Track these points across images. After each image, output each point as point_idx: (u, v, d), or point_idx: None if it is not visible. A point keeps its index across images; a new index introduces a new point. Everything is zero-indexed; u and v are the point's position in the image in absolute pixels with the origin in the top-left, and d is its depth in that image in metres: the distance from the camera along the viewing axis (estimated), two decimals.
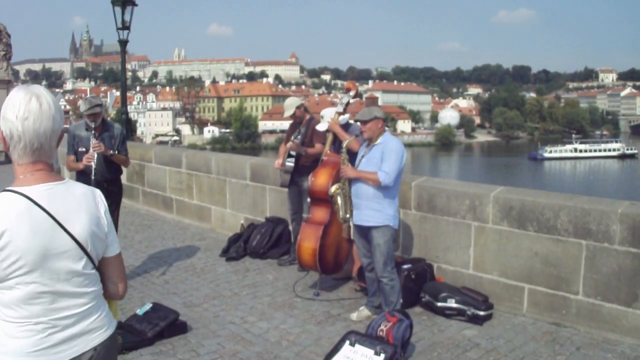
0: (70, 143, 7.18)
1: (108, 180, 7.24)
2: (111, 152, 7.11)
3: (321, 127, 7.40)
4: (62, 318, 2.52)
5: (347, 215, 6.36)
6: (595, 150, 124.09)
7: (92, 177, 6.85)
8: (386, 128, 6.30)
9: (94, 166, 6.86)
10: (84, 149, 7.03)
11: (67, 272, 2.50)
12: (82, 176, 7.10)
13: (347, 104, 7.34)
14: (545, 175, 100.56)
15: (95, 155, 6.86)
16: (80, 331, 2.57)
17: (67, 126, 6.91)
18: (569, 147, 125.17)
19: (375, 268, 6.15)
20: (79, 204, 2.57)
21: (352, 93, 7.38)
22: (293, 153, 7.90)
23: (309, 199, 7.23)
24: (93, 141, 6.91)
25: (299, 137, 7.94)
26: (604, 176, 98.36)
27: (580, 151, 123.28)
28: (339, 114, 7.22)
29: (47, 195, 2.48)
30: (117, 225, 7.64)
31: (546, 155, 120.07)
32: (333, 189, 6.35)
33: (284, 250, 8.62)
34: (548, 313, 6.21)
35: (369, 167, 6.01)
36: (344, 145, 6.40)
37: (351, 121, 7.47)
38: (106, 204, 2.73)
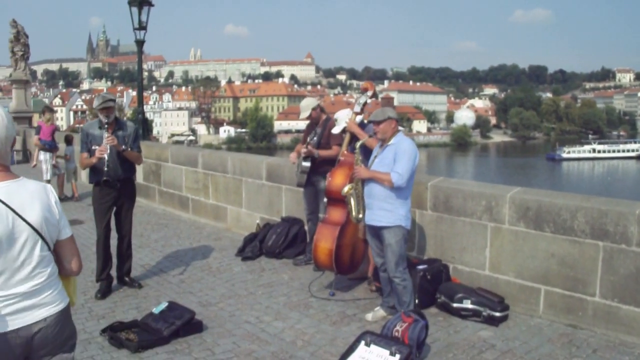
0: (84, 141, 7.19)
1: (121, 180, 7.26)
2: (123, 147, 7.13)
3: (336, 129, 7.40)
4: (18, 294, 3.00)
5: (360, 216, 6.36)
6: (613, 151, 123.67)
7: (105, 169, 6.95)
8: (401, 128, 6.29)
9: (106, 158, 6.92)
10: (97, 147, 7.06)
11: (25, 253, 3.02)
12: (95, 174, 7.17)
13: (365, 104, 7.33)
14: (563, 175, 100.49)
15: (108, 149, 6.91)
16: (32, 304, 3.05)
17: (81, 125, 6.99)
18: (587, 147, 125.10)
19: (387, 268, 6.14)
20: (32, 196, 3.07)
21: (369, 93, 7.37)
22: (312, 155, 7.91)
23: (325, 199, 7.23)
24: (106, 135, 6.97)
25: (315, 138, 7.95)
26: (622, 177, 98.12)
27: (599, 152, 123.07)
28: (356, 114, 7.21)
29: (5, 191, 2.99)
30: (132, 225, 7.67)
31: (564, 155, 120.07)
32: (346, 189, 6.35)
33: (299, 250, 8.63)
34: (564, 315, 6.18)
35: (381, 167, 6.01)
36: (358, 144, 6.40)
37: (366, 121, 7.46)
38: (56, 196, 3.25)
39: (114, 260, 7.55)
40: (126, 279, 7.55)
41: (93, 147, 7.08)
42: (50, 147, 14.08)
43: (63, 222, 3.25)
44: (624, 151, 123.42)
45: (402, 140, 6.09)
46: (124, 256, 7.59)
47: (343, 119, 7.35)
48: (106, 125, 7.02)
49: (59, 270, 3.27)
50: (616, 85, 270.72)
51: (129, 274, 7.60)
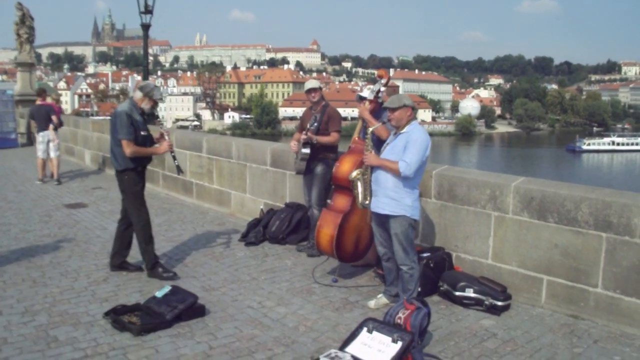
0: (132, 127, 6.98)
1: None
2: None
3: (364, 93, 7.27)
4: None
5: (366, 202, 6.34)
6: (632, 144, 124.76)
7: (177, 164, 7.48)
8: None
9: (174, 152, 7.44)
10: (145, 133, 7.10)
11: None
12: (136, 159, 7.15)
13: (379, 91, 7.28)
14: (583, 167, 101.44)
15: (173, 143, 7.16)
16: None
17: (117, 109, 6.88)
18: (606, 139, 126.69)
19: (395, 257, 6.14)
20: None
21: (383, 81, 7.29)
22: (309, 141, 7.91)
23: (332, 186, 7.22)
24: (165, 131, 7.45)
25: (315, 124, 7.95)
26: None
27: (618, 144, 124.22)
28: (370, 101, 7.16)
29: None
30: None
31: (584, 147, 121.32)
32: (354, 174, 6.33)
33: (303, 236, 8.64)
34: (566, 305, 6.18)
35: (391, 155, 5.95)
36: (369, 131, 6.36)
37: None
38: None
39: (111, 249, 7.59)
40: (125, 265, 7.53)
41: (142, 133, 7.08)
42: (61, 125, 14.51)
43: None
44: None
45: (414, 129, 5.98)
46: (131, 243, 7.57)
47: (369, 91, 7.25)
48: (155, 115, 7.21)
49: None
50: (622, 78, 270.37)
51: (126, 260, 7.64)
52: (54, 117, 14.11)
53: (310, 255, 8.13)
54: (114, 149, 7.13)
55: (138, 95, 7.11)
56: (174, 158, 7.52)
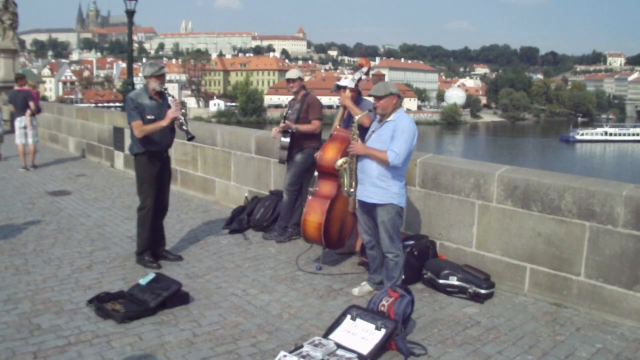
0: (136, 110, 6.97)
1: (166, 150, 7.36)
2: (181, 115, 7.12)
3: (342, 82, 7.29)
4: None
5: (352, 190, 6.34)
6: (624, 135, 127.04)
7: (185, 128, 7.02)
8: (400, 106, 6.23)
9: (181, 119, 6.98)
10: (152, 117, 6.96)
11: None
12: (146, 143, 7.07)
13: (359, 80, 7.31)
14: (576, 157, 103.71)
15: (180, 111, 6.94)
16: None
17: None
18: (599, 130, 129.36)
19: (381, 244, 6.14)
20: None
21: (364, 69, 7.35)
22: (289, 130, 7.93)
23: (316, 173, 7.23)
24: (170, 98, 7.05)
25: (295, 113, 7.97)
26: (630, 159, 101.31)
27: (610, 135, 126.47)
28: (350, 90, 7.17)
29: None
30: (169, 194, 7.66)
31: (578, 137, 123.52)
32: (340, 162, 6.31)
33: (286, 224, 8.62)
34: (549, 293, 6.22)
35: (378, 143, 5.93)
36: (355, 120, 6.35)
37: (365, 97, 7.43)
38: None
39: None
40: (167, 254, 7.51)
41: (148, 117, 6.97)
42: (39, 111, 14.34)
43: None
44: (634, 135, 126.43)
45: (401, 118, 5.98)
46: (162, 230, 7.57)
47: (350, 80, 7.26)
48: (165, 89, 7.03)
49: None
50: (607, 69, 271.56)
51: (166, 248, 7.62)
52: (31, 103, 13.95)
53: (279, 242, 8.18)
54: (131, 134, 7.17)
55: (146, 79, 7.11)
56: (182, 124, 7.08)
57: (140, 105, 6.97)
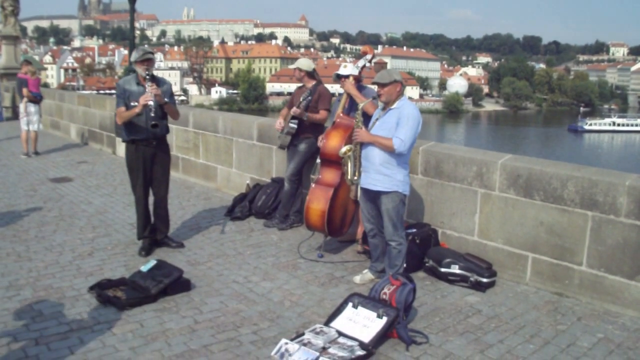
0: (121, 97, 6.96)
1: (158, 138, 7.17)
2: (166, 100, 6.95)
3: (342, 70, 7.25)
4: None
5: (355, 178, 6.33)
6: (632, 125, 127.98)
7: (152, 115, 6.70)
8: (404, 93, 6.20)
9: (152, 105, 6.69)
10: (136, 104, 6.80)
11: None
12: (132, 131, 7.01)
13: (363, 67, 7.28)
14: (584, 147, 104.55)
15: (153, 97, 6.68)
16: None
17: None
18: (607, 120, 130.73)
19: (384, 232, 6.14)
20: None
21: (368, 57, 7.31)
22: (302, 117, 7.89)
23: (319, 160, 7.20)
24: (148, 84, 6.77)
25: (307, 100, 7.91)
26: (638, 149, 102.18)
27: (618, 125, 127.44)
28: (354, 77, 7.13)
29: None
30: (168, 187, 7.57)
31: (586, 127, 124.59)
32: (344, 150, 6.30)
33: (288, 212, 8.61)
34: (551, 283, 6.22)
35: (382, 131, 5.91)
36: (360, 107, 6.33)
37: (367, 85, 7.41)
38: None
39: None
40: (167, 241, 7.48)
41: (132, 104, 6.86)
42: (39, 98, 14.15)
43: None
44: None
45: (405, 105, 5.96)
46: (163, 218, 7.52)
47: (353, 67, 7.23)
48: (148, 76, 6.80)
49: None
50: (609, 59, 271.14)
51: (167, 235, 7.57)
52: (24, 90, 13.88)
53: (281, 229, 8.18)
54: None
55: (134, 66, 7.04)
56: (151, 110, 6.73)
57: (126, 91, 6.95)
